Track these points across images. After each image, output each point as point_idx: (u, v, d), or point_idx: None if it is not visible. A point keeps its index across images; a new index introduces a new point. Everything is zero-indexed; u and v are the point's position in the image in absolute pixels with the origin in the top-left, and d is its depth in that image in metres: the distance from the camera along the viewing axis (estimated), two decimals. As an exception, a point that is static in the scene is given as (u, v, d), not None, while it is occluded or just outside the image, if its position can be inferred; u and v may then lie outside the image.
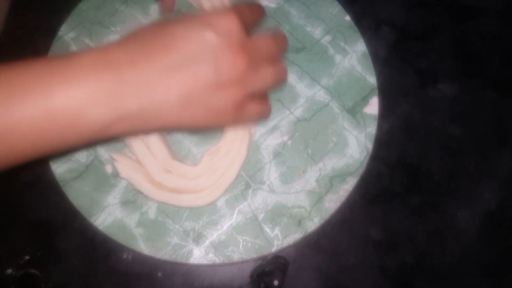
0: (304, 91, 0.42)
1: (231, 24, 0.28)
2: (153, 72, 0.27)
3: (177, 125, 0.30)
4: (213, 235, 0.37)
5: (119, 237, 0.37)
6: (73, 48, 0.42)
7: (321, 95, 0.41)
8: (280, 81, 0.33)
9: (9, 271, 0.38)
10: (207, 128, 0.33)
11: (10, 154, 0.26)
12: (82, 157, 0.39)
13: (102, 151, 0.39)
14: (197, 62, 0.27)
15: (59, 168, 0.39)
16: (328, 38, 0.43)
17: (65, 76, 0.25)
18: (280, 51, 0.33)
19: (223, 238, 0.37)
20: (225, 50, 0.28)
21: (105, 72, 0.26)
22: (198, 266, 0.38)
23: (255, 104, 0.32)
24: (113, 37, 0.42)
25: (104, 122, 0.26)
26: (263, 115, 0.34)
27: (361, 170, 0.40)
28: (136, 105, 0.27)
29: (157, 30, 0.28)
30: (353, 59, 0.43)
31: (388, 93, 0.43)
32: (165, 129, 0.30)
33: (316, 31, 0.43)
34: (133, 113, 0.27)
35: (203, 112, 0.29)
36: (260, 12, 0.33)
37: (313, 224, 0.38)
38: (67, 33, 0.42)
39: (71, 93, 0.25)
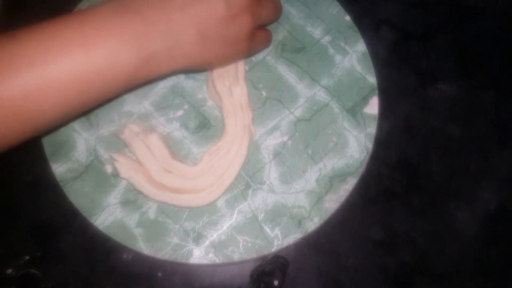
0: (304, 91, 0.42)
1: None
2: (170, 10, 0.29)
3: (200, 60, 0.33)
4: (213, 235, 0.38)
5: (119, 237, 0.37)
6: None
7: (321, 95, 0.41)
8: (279, 12, 0.39)
9: (9, 271, 0.38)
10: (225, 61, 0.37)
11: (61, 107, 0.28)
12: (82, 157, 0.39)
13: (102, 151, 0.39)
14: None
15: (59, 168, 0.39)
16: (328, 38, 0.43)
17: (94, 26, 0.28)
18: None
19: (223, 238, 0.37)
20: None
21: (127, 16, 0.28)
22: (198, 266, 0.38)
23: (261, 32, 0.37)
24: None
25: (135, 63, 0.28)
26: (268, 42, 0.40)
27: (361, 170, 0.40)
28: (161, 43, 0.29)
29: None
30: (353, 59, 0.43)
31: (388, 93, 0.43)
32: (190, 67, 0.32)
33: (316, 31, 0.43)
34: (160, 52, 0.29)
35: (221, 44, 0.32)
36: None
37: (313, 224, 0.38)
38: (67, 33, 0.42)
39: (102, 40, 0.27)
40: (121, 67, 0.28)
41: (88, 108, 0.30)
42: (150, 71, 0.30)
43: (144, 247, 0.37)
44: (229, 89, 0.39)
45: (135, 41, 0.28)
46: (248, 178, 0.39)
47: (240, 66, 0.40)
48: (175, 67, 0.31)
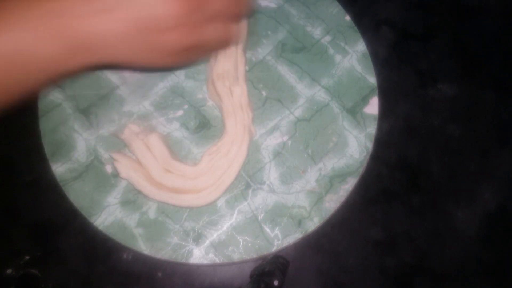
0: (304, 91, 0.42)
1: None
2: (91, 10, 0.28)
3: (127, 60, 0.31)
4: (213, 235, 0.37)
5: (119, 237, 0.37)
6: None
7: (321, 95, 0.41)
8: (227, 42, 0.35)
9: (9, 271, 0.38)
10: (158, 66, 0.34)
11: None
12: (82, 157, 0.39)
13: (102, 151, 0.39)
14: (133, 3, 0.28)
15: (59, 168, 0.39)
16: (328, 38, 0.43)
17: (10, 17, 0.27)
18: (237, 11, 0.34)
19: (223, 238, 0.37)
20: None
21: (46, 5, 0.27)
22: (198, 266, 0.38)
23: (212, 37, 0.32)
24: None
25: (56, 55, 0.28)
26: (224, 43, 0.35)
27: (361, 170, 0.40)
28: (81, 35, 0.28)
29: None
30: (353, 59, 0.43)
31: (388, 93, 0.43)
32: (120, 64, 0.31)
33: (316, 31, 0.43)
34: (82, 44, 0.28)
35: (146, 51, 0.31)
36: None
37: (313, 224, 0.38)
38: (67, 33, 0.42)
39: (19, 30, 0.27)
40: (43, 59, 0.28)
41: (20, 99, 0.29)
42: (78, 64, 0.29)
43: (144, 247, 0.37)
44: (229, 89, 0.39)
45: (52, 33, 0.27)
46: (248, 178, 0.39)
47: (240, 66, 0.40)
48: (103, 61, 0.30)
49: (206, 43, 0.33)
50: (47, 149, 0.39)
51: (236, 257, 0.37)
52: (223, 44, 0.36)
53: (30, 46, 0.27)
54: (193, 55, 0.34)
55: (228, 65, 0.39)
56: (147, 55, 0.31)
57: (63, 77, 0.30)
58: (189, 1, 0.29)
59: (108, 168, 0.39)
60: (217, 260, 0.37)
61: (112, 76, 0.41)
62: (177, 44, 0.31)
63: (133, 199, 0.38)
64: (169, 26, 0.29)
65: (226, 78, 0.39)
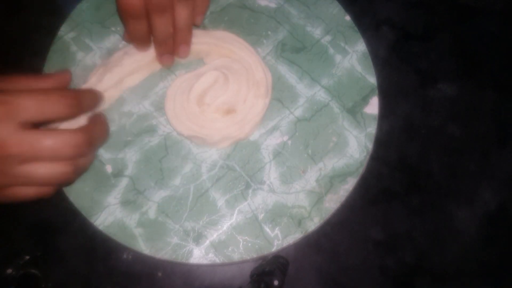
0: (304, 91, 0.42)
1: None
2: None
3: None
4: (213, 235, 0.38)
5: (119, 237, 0.37)
6: (73, 48, 0.42)
7: (321, 95, 0.41)
8: (58, 182, 0.31)
9: (9, 271, 0.38)
10: None
11: None
12: (82, 157, 0.39)
13: (102, 151, 0.39)
14: None
15: (59, 168, 0.39)
16: (328, 38, 0.43)
17: None
18: (72, 153, 0.30)
19: (223, 238, 0.37)
20: None
21: None
22: (198, 266, 0.38)
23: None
24: (113, 37, 0.42)
25: None
26: (53, 183, 0.32)
27: (361, 170, 0.40)
28: None
29: None
30: (353, 59, 0.43)
31: (388, 93, 0.43)
32: None
33: (316, 31, 0.43)
34: None
35: None
36: None
37: (313, 224, 0.38)
38: (67, 33, 0.42)
39: None
40: None
41: None
42: None
43: (144, 247, 0.37)
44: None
45: None
46: (248, 178, 0.39)
47: (267, 76, 0.41)
48: None
49: (21, 186, 0.31)
50: (47, 149, 0.39)
51: (236, 257, 0.37)
52: (52, 183, 0.32)
53: None
54: (8, 195, 0.31)
55: (261, 75, 0.39)
56: None
57: None
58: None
59: (108, 168, 0.39)
60: (217, 260, 0.37)
61: (112, 76, 0.41)
62: None
63: (133, 199, 0.38)
64: None
65: (258, 88, 0.39)
